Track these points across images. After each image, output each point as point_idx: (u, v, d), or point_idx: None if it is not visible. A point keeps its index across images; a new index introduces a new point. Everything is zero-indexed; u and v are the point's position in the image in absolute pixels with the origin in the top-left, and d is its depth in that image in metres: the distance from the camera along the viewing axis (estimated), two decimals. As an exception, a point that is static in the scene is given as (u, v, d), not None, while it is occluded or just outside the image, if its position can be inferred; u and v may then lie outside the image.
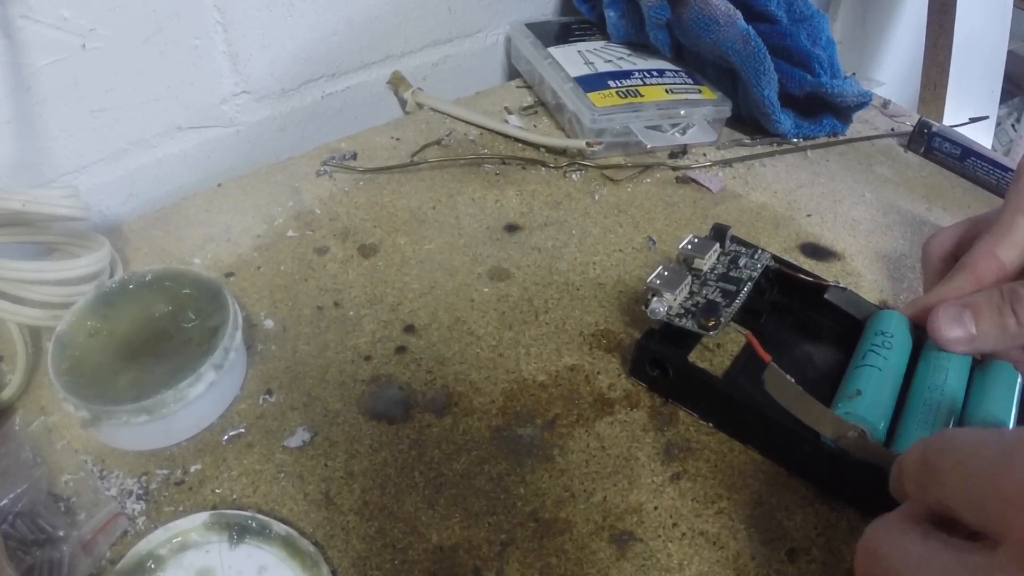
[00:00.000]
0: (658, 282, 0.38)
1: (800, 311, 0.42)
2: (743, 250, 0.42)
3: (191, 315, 0.38)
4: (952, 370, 0.35)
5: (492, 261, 0.47)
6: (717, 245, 0.41)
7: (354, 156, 0.55)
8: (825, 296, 0.40)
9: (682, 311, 0.38)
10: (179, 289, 0.39)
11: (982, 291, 0.36)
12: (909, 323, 0.38)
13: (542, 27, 0.65)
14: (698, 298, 0.39)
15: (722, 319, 0.37)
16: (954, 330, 0.35)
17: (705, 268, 0.40)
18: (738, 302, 0.38)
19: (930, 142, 0.60)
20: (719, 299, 0.38)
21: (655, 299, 0.37)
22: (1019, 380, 0.36)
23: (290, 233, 0.48)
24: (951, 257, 0.41)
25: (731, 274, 0.40)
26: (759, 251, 0.42)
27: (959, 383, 0.35)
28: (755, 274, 0.40)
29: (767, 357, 0.33)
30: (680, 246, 0.41)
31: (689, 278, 0.39)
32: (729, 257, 0.41)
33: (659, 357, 0.38)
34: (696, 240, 0.41)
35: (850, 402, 0.34)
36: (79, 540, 0.32)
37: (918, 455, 0.28)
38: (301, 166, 0.54)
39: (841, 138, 0.61)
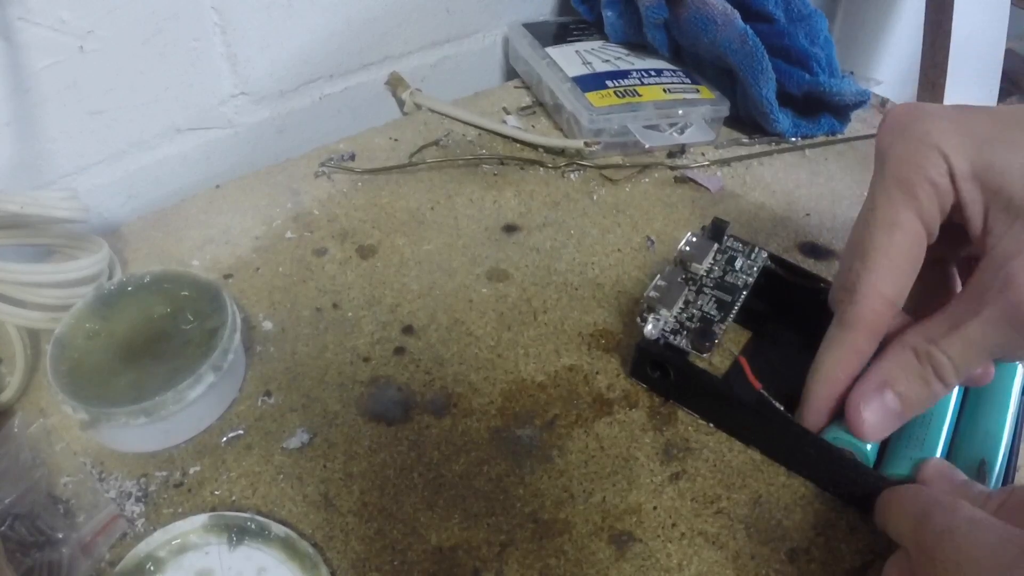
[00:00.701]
0: (655, 294, 0.38)
1: (799, 311, 0.42)
2: (740, 249, 0.42)
3: (190, 317, 0.38)
4: None
5: (491, 262, 0.47)
6: (715, 245, 0.41)
7: (352, 157, 0.55)
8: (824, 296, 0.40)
9: (677, 325, 0.38)
10: (178, 291, 0.39)
11: (890, 358, 0.32)
12: None
13: (540, 27, 0.65)
14: (693, 309, 0.39)
15: (716, 340, 0.37)
16: (880, 416, 0.32)
17: (702, 271, 0.40)
18: (733, 314, 0.38)
19: (928, 141, 0.60)
20: (714, 312, 0.38)
21: (651, 317, 0.37)
22: (1019, 378, 0.36)
23: (288, 234, 0.48)
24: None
25: (727, 279, 0.40)
26: (756, 250, 0.42)
27: (951, 396, 0.35)
28: (751, 280, 0.40)
29: (757, 384, 0.34)
30: (679, 247, 0.41)
31: (685, 289, 0.39)
32: (726, 257, 0.41)
33: (660, 359, 0.38)
34: (695, 238, 0.41)
35: (839, 427, 0.34)
36: (78, 542, 0.32)
37: (911, 526, 0.28)
38: (300, 167, 0.54)
39: (839, 137, 0.61)
